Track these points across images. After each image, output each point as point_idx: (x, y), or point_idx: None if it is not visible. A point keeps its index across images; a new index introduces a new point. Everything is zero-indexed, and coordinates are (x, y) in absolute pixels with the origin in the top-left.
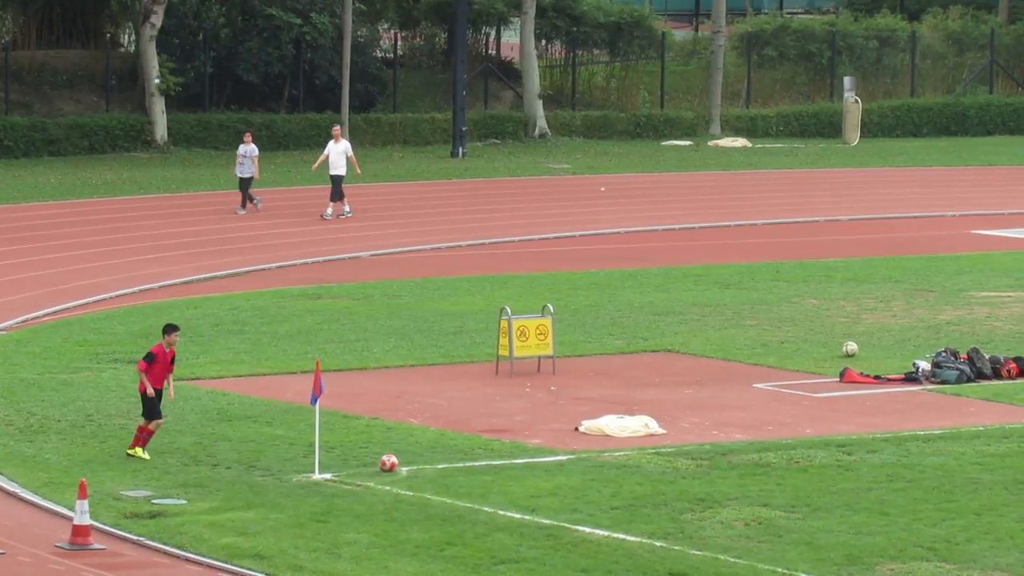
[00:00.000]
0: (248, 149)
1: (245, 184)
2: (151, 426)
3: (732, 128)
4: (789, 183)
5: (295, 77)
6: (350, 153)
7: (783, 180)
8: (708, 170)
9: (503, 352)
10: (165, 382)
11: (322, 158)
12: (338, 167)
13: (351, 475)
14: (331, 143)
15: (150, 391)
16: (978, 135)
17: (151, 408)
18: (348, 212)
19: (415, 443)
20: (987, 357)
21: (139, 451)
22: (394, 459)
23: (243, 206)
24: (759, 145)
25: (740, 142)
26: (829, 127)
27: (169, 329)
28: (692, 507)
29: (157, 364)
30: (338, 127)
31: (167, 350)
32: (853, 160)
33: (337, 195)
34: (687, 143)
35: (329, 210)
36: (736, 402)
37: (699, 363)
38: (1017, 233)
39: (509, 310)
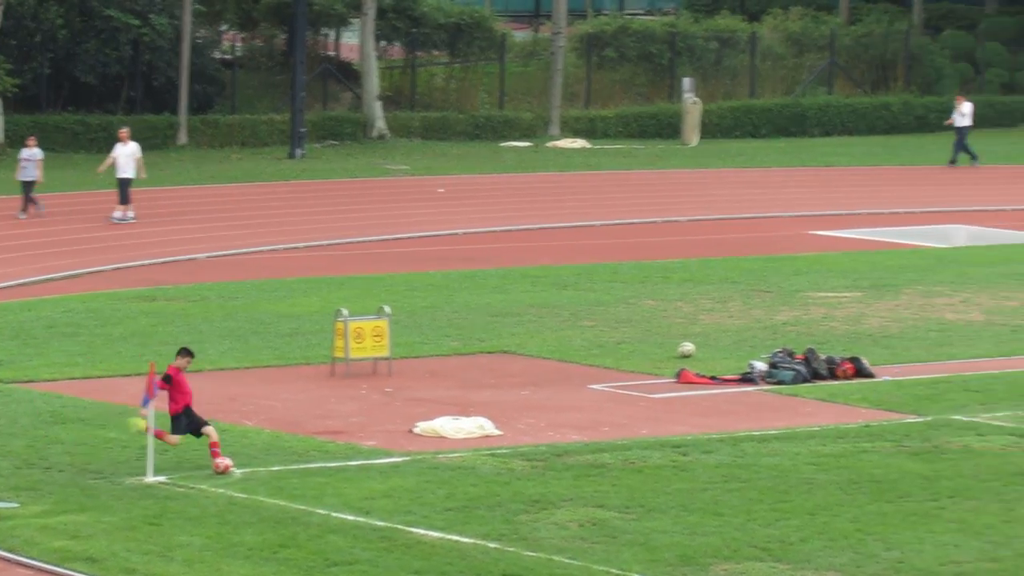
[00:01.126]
0: (32, 153)
1: (28, 187)
2: (174, 440)
3: (571, 129)
4: (628, 184)
5: (133, 78)
6: (138, 155)
7: (622, 181)
8: (547, 171)
9: (339, 354)
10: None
11: (109, 161)
12: (126, 170)
13: (184, 477)
14: (118, 145)
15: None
16: (817, 136)
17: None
18: (132, 218)
19: (249, 445)
20: (823, 357)
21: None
22: (228, 461)
23: (24, 210)
24: (598, 146)
25: (579, 143)
26: (668, 128)
27: (183, 352)
28: (527, 508)
29: (175, 384)
30: (125, 129)
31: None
32: (692, 161)
33: (125, 198)
34: (526, 144)
35: (118, 213)
36: (572, 403)
37: (535, 364)
38: (853, 233)
39: (345, 312)
